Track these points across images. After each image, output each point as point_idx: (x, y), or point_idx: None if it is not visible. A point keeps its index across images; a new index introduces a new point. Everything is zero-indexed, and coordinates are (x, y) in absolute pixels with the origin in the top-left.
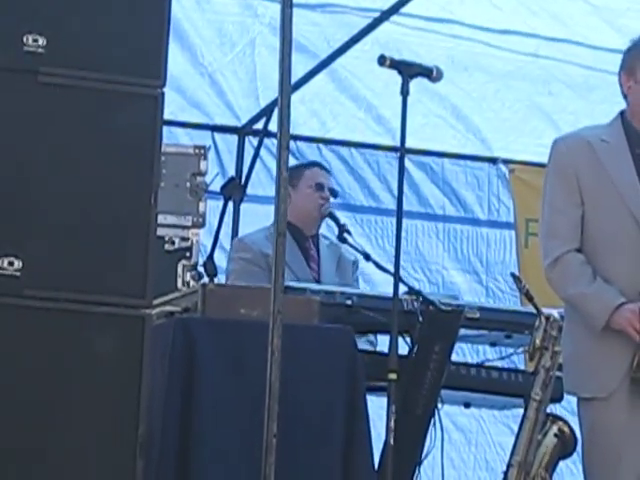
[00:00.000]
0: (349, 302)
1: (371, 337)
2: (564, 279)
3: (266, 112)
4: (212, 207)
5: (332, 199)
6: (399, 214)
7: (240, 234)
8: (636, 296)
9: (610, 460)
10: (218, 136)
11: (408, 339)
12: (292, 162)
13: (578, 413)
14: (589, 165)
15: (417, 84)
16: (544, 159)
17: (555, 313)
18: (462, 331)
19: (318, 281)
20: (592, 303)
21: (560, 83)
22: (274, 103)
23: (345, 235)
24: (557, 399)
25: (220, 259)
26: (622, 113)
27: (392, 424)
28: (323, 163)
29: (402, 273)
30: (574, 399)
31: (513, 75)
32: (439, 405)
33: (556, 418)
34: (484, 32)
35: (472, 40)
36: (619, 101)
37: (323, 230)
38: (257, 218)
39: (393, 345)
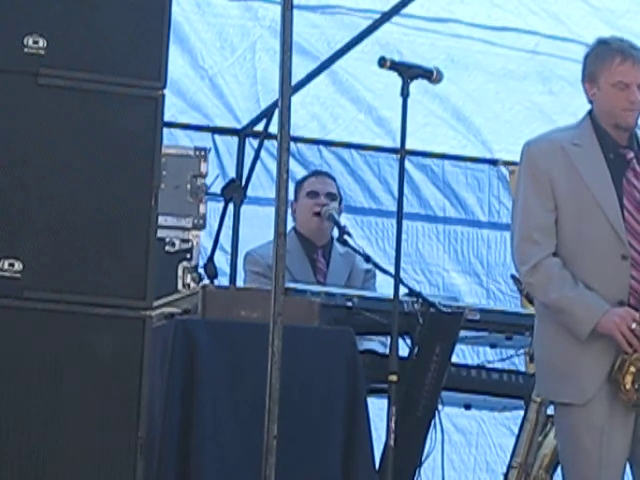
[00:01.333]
0: (349, 304)
1: (382, 338)
2: (546, 284)
3: (266, 114)
4: (212, 209)
5: (333, 203)
6: (399, 216)
7: (241, 236)
8: (615, 305)
9: (590, 466)
10: (218, 138)
11: (408, 341)
12: (292, 164)
13: (555, 419)
14: (563, 169)
15: (417, 86)
16: None
17: None
18: (462, 333)
19: None
20: (577, 307)
21: (560, 80)
22: (274, 105)
23: (345, 237)
24: None
25: (220, 261)
26: (590, 113)
27: (392, 426)
28: (323, 165)
29: (402, 275)
30: None
31: (513, 74)
32: (439, 407)
33: None
34: (483, 30)
35: (472, 38)
36: None
37: None
38: (257, 220)
39: (393, 347)
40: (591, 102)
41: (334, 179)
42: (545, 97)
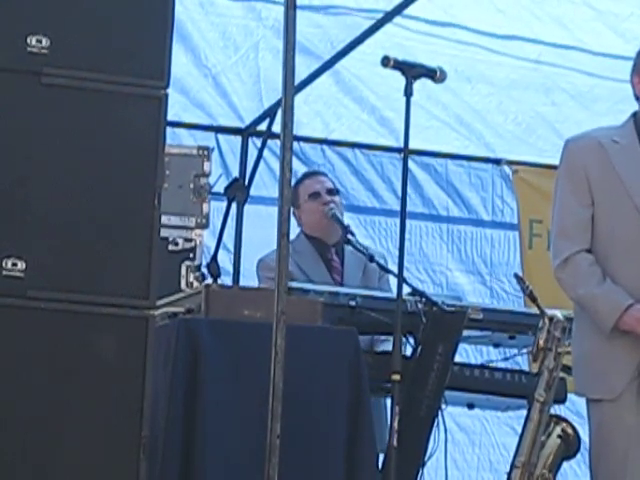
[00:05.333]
0: (353, 303)
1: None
2: (574, 279)
3: (269, 113)
4: (216, 208)
5: (335, 198)
6: (403, 215)
7: (244, 235)
8: None
9: (617, 461)
10: (222, 137)
11: (412, 340)
12: (295, 163)
13: (587, 414)
14: (600, 166)
15: (420, 91)
16: (547, 160)
17: (559, 314)
18: (466, 332)
19: None
20: (601, 303)
21: (564, 92)
22: (277, 104)
23: (349, 236)
24: (561, 400)
25: (224, 260)
26: (634, 115)
27: (395, 425)
28: (326, 164)
29: (406, 274)
30: (578, 400)
31: (516, 85)
32: (442, 406)
33: (560, 419)
34: (487, 37)
35: (475, 46)
36: (622, 110)
37: None
38: (260, 219)
39: (396, 346)
40: (637, 98)
41: (325, 174)
42: (548, 108)
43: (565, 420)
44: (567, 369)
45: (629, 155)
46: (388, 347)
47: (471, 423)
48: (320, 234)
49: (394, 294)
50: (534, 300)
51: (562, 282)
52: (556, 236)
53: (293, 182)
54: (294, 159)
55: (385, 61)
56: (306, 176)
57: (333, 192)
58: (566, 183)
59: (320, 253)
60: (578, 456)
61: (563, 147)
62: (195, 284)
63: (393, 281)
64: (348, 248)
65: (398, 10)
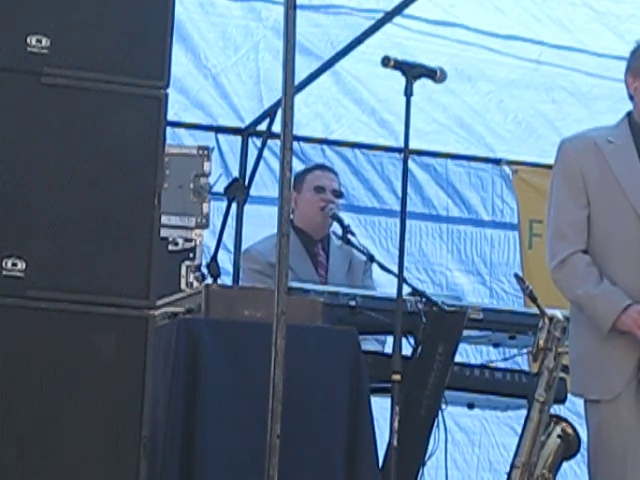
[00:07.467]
0: (353, 303)
1: (381, 337)
2: (571, 280)
3: (269, 113)
4: (216, 208)
5: (337, 200)
6: (403, 215)
7: (244, 235)
8: None
9: (616, 461)
10: (222, 137)
11: (412, 340)
12: (295, 163)
13: (585, 414)
14: (595, 166)
15: (421, 92)
16: (547, 160)
17: (559, 314)
18: (466, 332)
19: None
20: (599, 304)
21: (564, 91)
22: (277, 104)
23: (349, 236)
24: (561, 400)
25: (224, 260)
26: (629, 114)
27: (396, 425)
28: (326, 164)
29: (406, 274)
30: (578, 400)
31: (516, 84)
32: (443, 406)
33: (560, 419)
34: (488, 37)
35: (475, 45)
36: (623, 109)
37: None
38: (260, 219)
39: (396, 346)
40: (631, 98)
41: (337, 174)
42: (548, 106)
43: (565, 420)
44: (567, 369)
45: (624, 155)
46: (366, 347)
47: (471, 423)
48: (309, 228)
49: (387, 292)
50: (534, 300)
51: (559, 283)
52: (552, 237)
53: (304, 168)
54: (294, 159)
55: (385, 61)
56: (319, 167)
57: (337, 194)
58: (562, 183)
59: (306, 247)
60: (578, 456)
61: (558, 147)
62: (195, 284)
63: (392, 281)
64: (334, 244)
65: (398, 10)
